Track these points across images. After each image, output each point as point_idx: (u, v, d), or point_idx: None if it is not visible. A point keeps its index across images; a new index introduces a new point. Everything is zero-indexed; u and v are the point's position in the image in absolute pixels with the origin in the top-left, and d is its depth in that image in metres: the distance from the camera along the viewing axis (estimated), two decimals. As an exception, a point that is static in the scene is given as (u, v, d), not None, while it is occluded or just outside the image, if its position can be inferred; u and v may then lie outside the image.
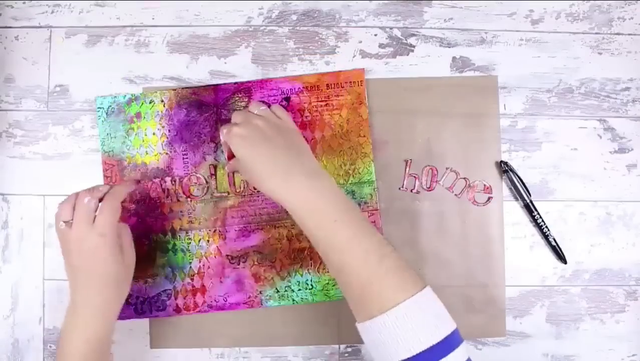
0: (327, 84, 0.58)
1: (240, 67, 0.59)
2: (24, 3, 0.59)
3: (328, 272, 0.57)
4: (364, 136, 0.57)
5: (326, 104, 0.58)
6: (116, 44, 0.59)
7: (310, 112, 0.58)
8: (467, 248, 0.58)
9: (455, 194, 0.58)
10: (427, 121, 0.58)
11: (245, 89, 0.58)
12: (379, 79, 0.58)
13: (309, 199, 0.46)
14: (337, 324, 0.58)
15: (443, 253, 0.58)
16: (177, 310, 0.57)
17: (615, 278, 0.59)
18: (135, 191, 0.57)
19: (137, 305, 0.57)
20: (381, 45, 0.59)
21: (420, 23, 0.59)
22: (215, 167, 0.57)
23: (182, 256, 0.57)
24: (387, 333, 0.40)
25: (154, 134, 0.58)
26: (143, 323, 0.58)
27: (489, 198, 0.58)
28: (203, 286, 0.57)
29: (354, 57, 0.59)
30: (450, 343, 0.40)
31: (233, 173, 0.57)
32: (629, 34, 0.60)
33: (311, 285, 0.57)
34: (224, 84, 0.58)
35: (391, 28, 0.59)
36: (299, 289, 0.57)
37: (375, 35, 0.59)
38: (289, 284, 0.57)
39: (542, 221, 0.57)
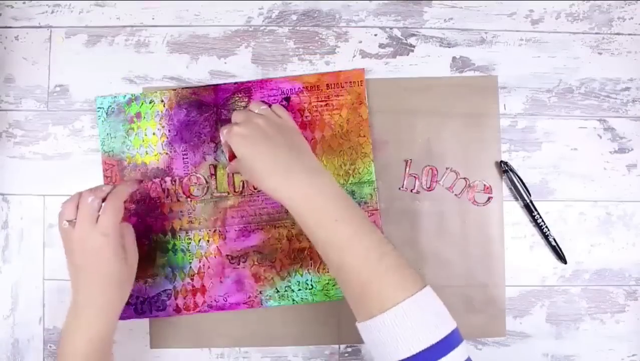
0: (327, 84, 0.58)
1: (240, 67, 0.59)
2: (24, 3, 0.59)
3: (328, 272, 0.57)
4: (364, 136, 0.57)
5: (326, 104, 0.58)
6: (116, 44, 0.59)
7: (310, 112, 0.58)
8: (467, 248, 0.58)
9: (455, 194, 0.58)
10: (427, 121, 0.58)
11: (245, 89, 0.58)
12: (379, 79, 0.59)
13: (309, 197, 0.46)
14: (337, 324, 0.58)
15: (443, 253, 0.58)
16: (177, 310, 0.57)
17: (615, 278, 0.59)
18: (135, 191, 0.57)
19: (137, 305, 0.57)
20: (381, 45, 0.59)
21: (420, 23, 0.59)
22: (215, 167, 0.57)
23: (182, 256, 0.57)
24: (386, 332, 0.40)
25: (154, 134, 0.58)
26: (143, 323, 0.58)
27: (489, 198, 0.58)
28: (203, 286, 0.57)
29: (354, 57, 0.59)
30: (450, 342, 0.40)
31: (233, 173, 0.57)
32: (629, 34, 0.60)
33: (311, 285, 0.57)
34: (224, 84, 0.58)
35: (391, 28, 0.59)
36: (299, 289, 0.57)
37: (375, 35, 0.59)
38: (289, 284, 0.57)
39: (542, 221, 0.57)
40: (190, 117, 0.58)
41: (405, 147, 0.58)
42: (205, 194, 0.57)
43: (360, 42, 0.59)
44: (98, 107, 0.58)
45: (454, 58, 0.59)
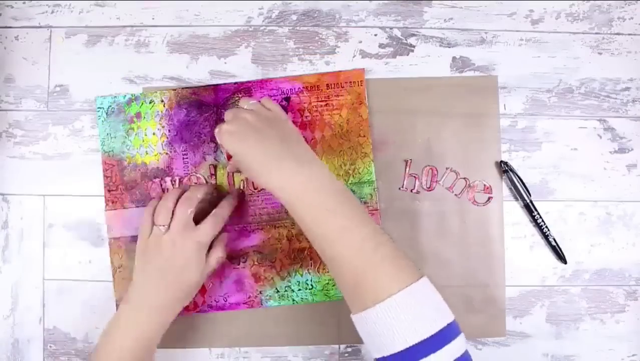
0: (327, 84, 0.58)
1: (240, 67, 0.59)
2: (24, 3, 0.59)
3: (328, 272, 0.57)
4: (364, 136, 0.57)
5: (326, 104, 0.58)
6: (116, 44, 0.59)
7: (310, 112, 0.58)
8: (467, 248, 0.58)
9: (455, 194, 0.58)
10: (427, 121, 0.58)
11: (245, 89, 0.58)
12: (379, 79, 0.59)
13: (300, 187, 0.45)
14: (337, 324, 0.58)
15: (443, 253, 0.58)
16: (177, 310, 0.57)
17: (615, 278, 0.59)
18: (135, 191, 0.57)
19: (137, 305, 0.57)
20: (381, 45, 0.59)
21: (420, 23, 0.59)
22: (215, 167, 0.57)
23: (182, 256, 0.57)
24: (381, 324, 0.39)
25: (154, 134, 0.58)
26: (143, 323, 0.58)
27: (489, 198, 0.58)
28: (203, 286, 0.57)
29: (354, 57, 0.59)
30: (447, 334, 0.39)
31: (233, 173, 0.57)
32: (629, 34, 0.60)
33: (311, 285, 0.57)
34: (224, 84, 0.58)
35: (391, 28, 0.59)
36: (299, 289, 0.57)
37: (375, 35, 0.59)
38: (289, 284, 0.57)
39: (542, 221, 0.57)
40: (190, 117, 0.58)
41: (405, 147, 0.58)
42: (205, 194, 0.57)
43: (360, 42, 0.59)
44: (98, 107, 0.58)
45: (454, 58, 0.59)
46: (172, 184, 0.57)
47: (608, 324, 0.58)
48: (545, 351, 0.58)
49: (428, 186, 0.58)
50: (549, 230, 0.58)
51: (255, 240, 0.57)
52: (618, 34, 0.60)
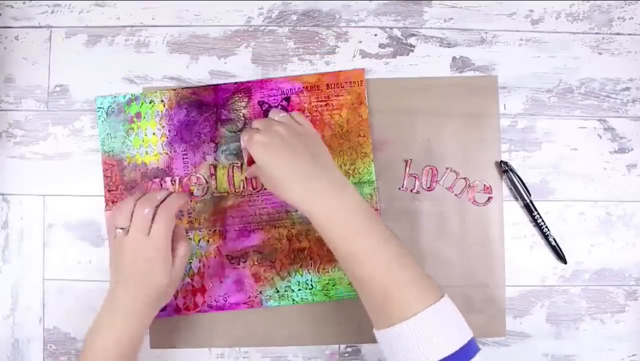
0: (327, 84, 0.58)
1: (240, 67, 0.59)
2: (24, 3, 0.59)
3: (328, 272, 0.57)
4: (364, 136, 0.57)
5: (326, 104, 0.58)
6: (116, 44, 0.59)
7: (310, 112, 0.58)
8: (467, 248, 0.58)
9: (455, 194, 0.58)
10: (427, 121, 0.58)
11: (245, 89, 0.58)
12: (379, 79, 0.59)
13: (331, 210, 0.45)
14: (337, 324, 0.58)
15: (443, 253, 0.58)
16: (177, 310, 0.57)
17: (615, 278, 0.59)
18: (135, 191, 0.57)
19: (137, 305, 0.57)
20: (381, 45, 0.59)
21: (420, 23, 0.59)
22: (215, 167, 0.57)
23: (182, 256, 0.57)
24: (406, 341, 0.41)
25: (154, 134, 0.58)
26: (143, 323, 0.58)
27: (489, 198, 0.58)
28: (203, 286, 0.57)
29: (354, 57, 0.59)
30: (467, 351, 0.40)
31: (233, 174, 0.57)
32: (629, 34, 0.60)
33: (311, 285, 0.57)
34: (224, 84, 0.58)
35: (391, 28, 0.59)
36: (299, 289, 0.57)
37: (375, 35, 0.59)
38: (289, 284, 0.57)
39: (542, 221, 0.57)
40: (190, 117, 0.58)
41: (405, 147, 0.58)
42: (205, 194, 0.57)
43: (360, 42, 0.59)
44: (98, 107, 0.58)
45: (454, 58, 0.59)
46: (172, 184, 0.57)
47: (608, 324, 0.58)
48: (545, 351, 0.58)
49: (428, 186, 0.58)
50: (549, 230, 0.58)
51: (255, 240, 0.57)
52: (618, 34, 0.60)
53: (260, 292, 0.57)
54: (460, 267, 0.58)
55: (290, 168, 0.47)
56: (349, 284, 0.56)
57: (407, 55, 0.59)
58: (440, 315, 0.42)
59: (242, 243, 0.57)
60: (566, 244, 0.58)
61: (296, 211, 0.57)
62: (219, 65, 0.59)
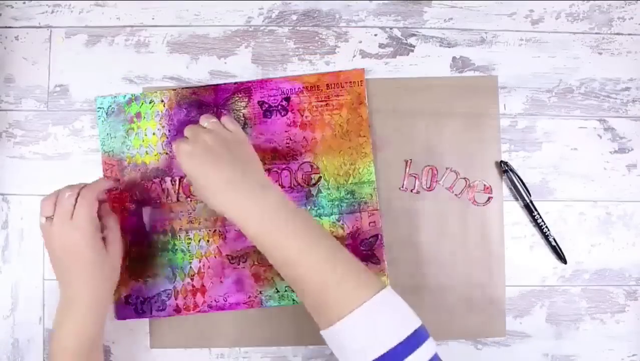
0: (327, 84, 0.58)
1: (240, 67, 0.59)
2: (24, 3, 0.59)
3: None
4: (364, 136, 0.57)
5: (326, 104, 0.58)
6: (116, 44, 0.59)
7: (310, 112, 0.58)
8: (467, 248, 0.58)
9: (455, 194, 0.58)
10: (427, 121, 0.58)
11: (245, 89, 0.58)
12: (379, 79, 0.59)
13: (256, 214, 0.45)
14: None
15: (443, 253, 0.58)
16: (177, 310, 0.57)
17: (615, 278, 0.59)
18: (135, 191, 0.57)
19: (137, 305, 0.57)
20: (381, 45, 0.59)
21: (420, 23, 0.59)
22: (215, 167, 0.57)
23: (182, 256, 0.57)
24: (349, 337, 0.41)
25: (154, 134, 0.58)
26: (143, 323, 0.58)
27: (489, 198, 0.58)
28: (203, 286, 0.57)
29: (354, 57, 0.59)
30: (413, 341, 0.40)
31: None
32: (629, 34, 0.60)
33: (311, 285, 0.57)
34: (224, 84, 0.58)
35: (391, 28, 0.59)
36: (299, 289, 0.57)
37: (375, 35, 0.59)
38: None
39: (542, 221, 0.57)
40: (190, 117, 0.58)
41: (405, 147, 0.58)
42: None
43: (360, 42, 0.59)
44: (98, 107, 0.58)
45: (454, 58, 0.59)
46: (172, 184, 0.57)
47: (608, 324, 0.58)
48: (545, 351, 0.58)
49: (428, 186, 0.58)
50: (549, 230, 0.58)
51: (255, 240, 0.57)
52: (618, 34, 0.60)
53: (261, 292, 0.57)
54: (460, 267, 0.58)
55: (214, 177, 0.46)
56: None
57: (407, 55, 0.59)
58: (380, 308, 0.41)
59: (242, 243, 0.57)
60: (566, 244, 0.58)
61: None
62: (219, 65, 0.59)
